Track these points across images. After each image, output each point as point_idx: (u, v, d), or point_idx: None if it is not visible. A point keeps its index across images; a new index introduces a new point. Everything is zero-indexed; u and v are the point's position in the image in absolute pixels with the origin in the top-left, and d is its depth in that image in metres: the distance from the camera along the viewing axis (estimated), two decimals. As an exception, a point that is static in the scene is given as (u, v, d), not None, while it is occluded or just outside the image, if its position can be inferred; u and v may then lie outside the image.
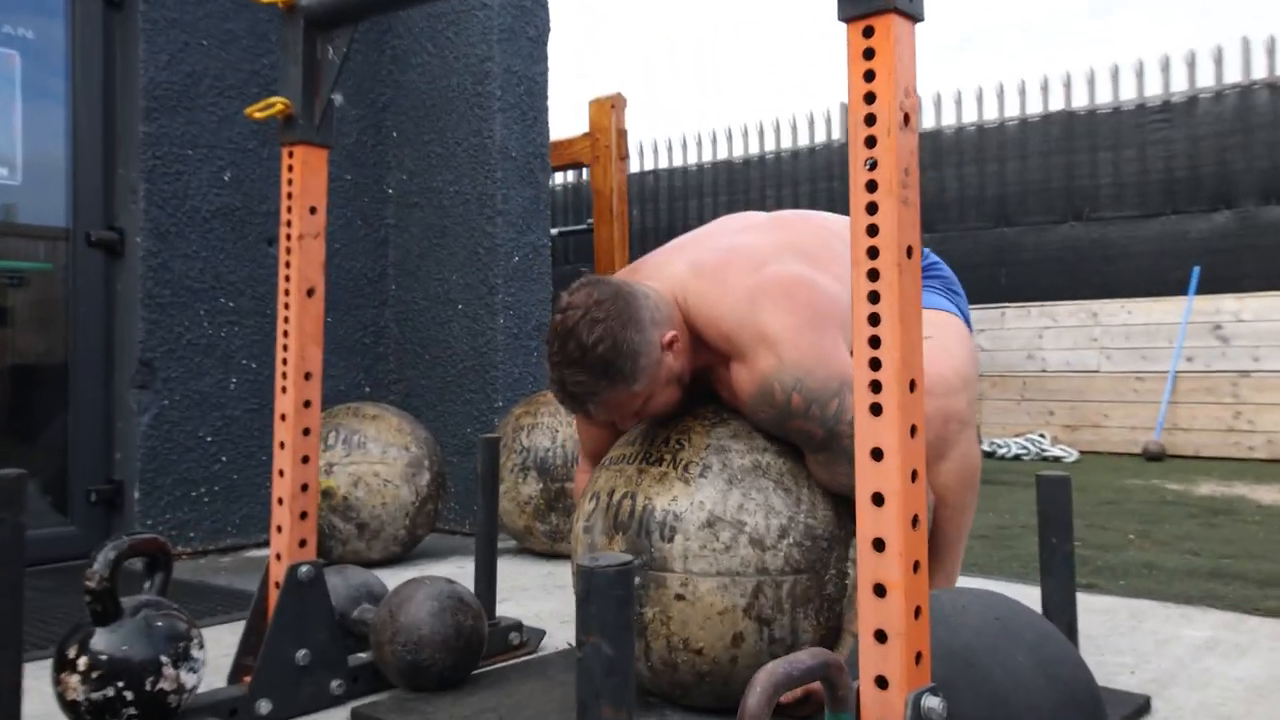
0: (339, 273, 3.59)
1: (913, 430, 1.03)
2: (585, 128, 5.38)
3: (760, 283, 1.58)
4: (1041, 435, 6.34)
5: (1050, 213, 7.09)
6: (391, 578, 2.71)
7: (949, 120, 7.62)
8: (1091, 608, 2.40)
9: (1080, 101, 7.07)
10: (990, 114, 7.41)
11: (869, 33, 1.04)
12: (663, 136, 10.14)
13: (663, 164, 9.30)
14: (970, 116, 7.50)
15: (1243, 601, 2.43)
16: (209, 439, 3.18)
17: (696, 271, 1.67)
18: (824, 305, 1.59)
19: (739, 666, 1.55)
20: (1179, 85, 6.74)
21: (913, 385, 1.04)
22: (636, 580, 1.58)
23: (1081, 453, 6.31)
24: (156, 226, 3.08)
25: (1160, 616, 2.33)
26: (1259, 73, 6.47)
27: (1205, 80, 6.67)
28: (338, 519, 2.81)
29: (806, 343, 1.53)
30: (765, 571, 1.53)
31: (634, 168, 9.36)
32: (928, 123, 7.74)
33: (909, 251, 1.04)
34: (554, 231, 6.23)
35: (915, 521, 1.03)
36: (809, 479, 1.61)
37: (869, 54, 1.04)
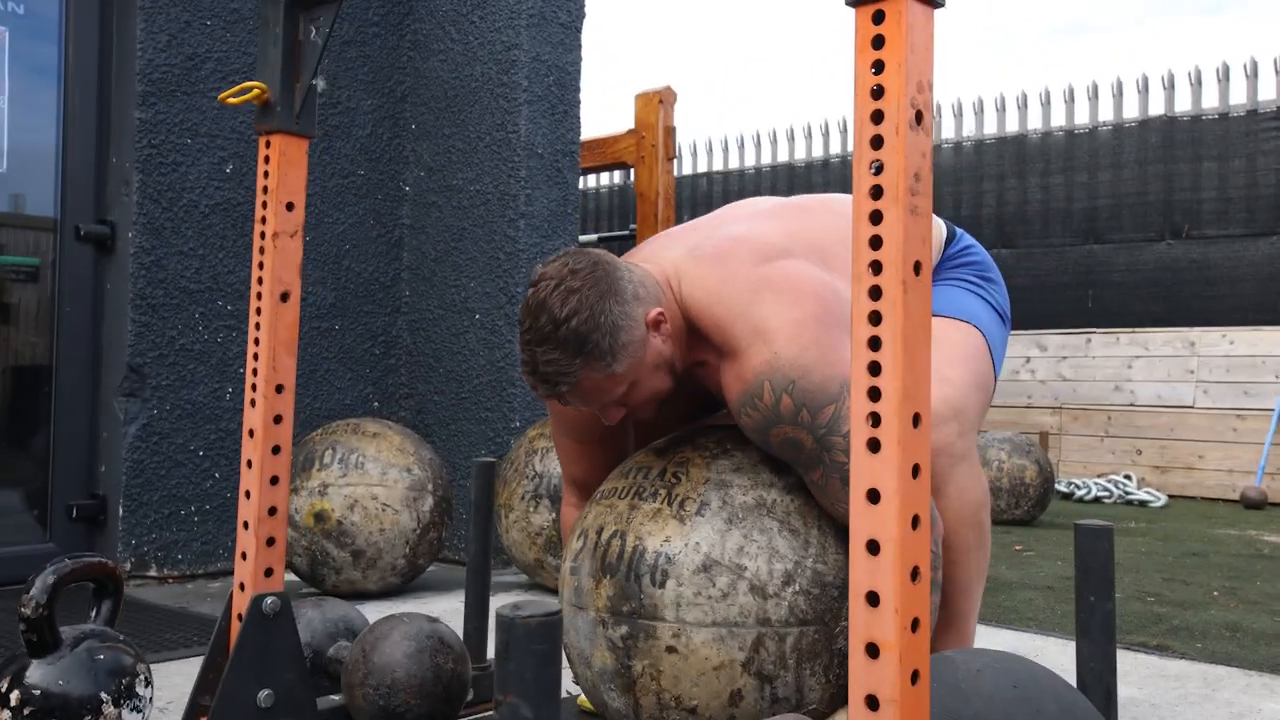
0: (348, 276, 3.61)
1: (915, 470, 0.99)
2: (630, 124, 5.38)
3: (766, 275, 1.53)
4: (1127, 476, 6.20)
5: (1145, 229, 6.95)
6: (388, 610, 2.70)
7: (1035, 124, 7.51)
8: (1162, 672, 2.34)
9: (1183, 106, 6.93)
10: (1081, 118, 7.29)
11: (879, 18, 1.01)
12: (717, 135, 10.11)
13: (716, 166, 9.29)
14: (1059, 120, 7.39)
15: (1336, 672, 2.36)
16: (201, 453, 3.20)
17: (695, 257, 1.62)
18: (834, 305, 1.52)
19: None
20: (1294, 89, 6.58)
21: (916, 419, 1.00)
22: (624, 630, 1.54)
23: (1171, 497, 6.16)
24: (150, 221, 3.12)
25: (1239, 685, 2.26)
26: (1386, 76, 6.29)
27: (1324, 84, 6.49)
28: (331, 545, 2.81)
29: (808, 337, 1.46)
30: (767, 623, 1.49)
31: (683, 169, 9.36)
32: (1011, 126, 7.64)
33: (917, 267, 1.00)
34: (594, 237, 6.24)
35: (915, 574, 0.99)
36: (820, 518, 1.56)
37: (878, 42, 1.01)
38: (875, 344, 1.00)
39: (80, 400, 3.12)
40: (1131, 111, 7.11)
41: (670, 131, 5.33)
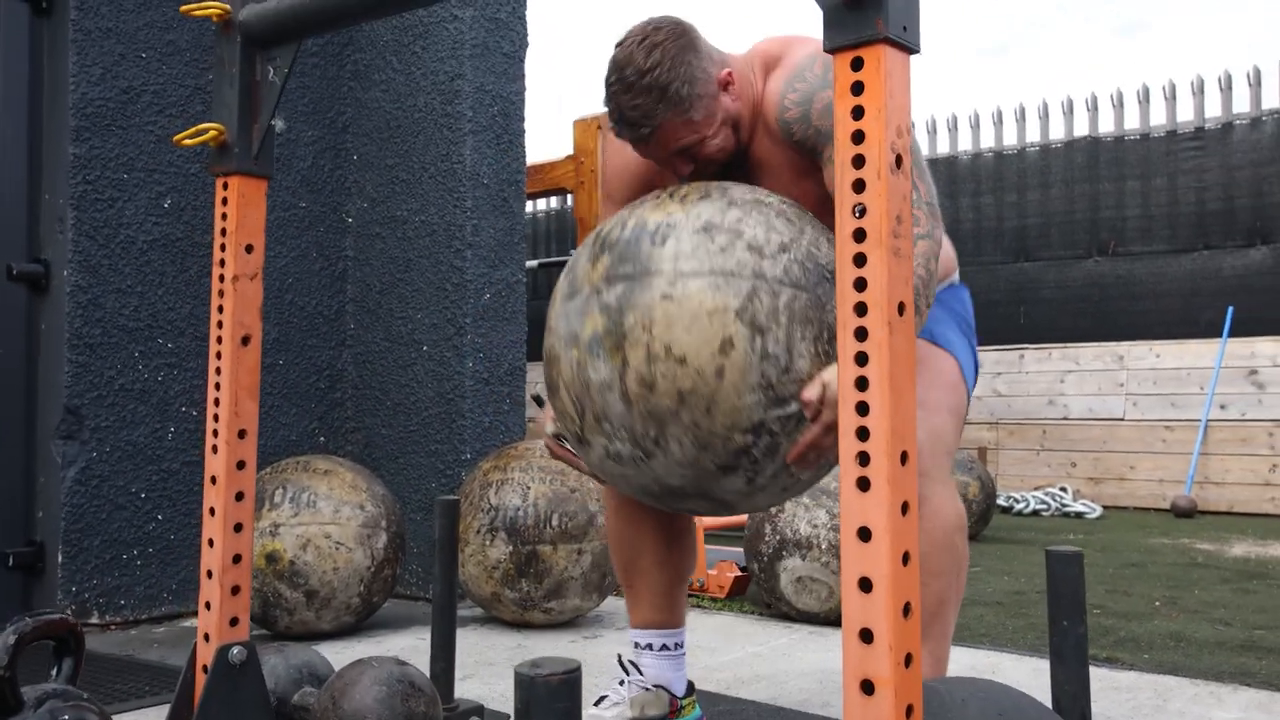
0: (291, 310, 3.56)
1: (904, 507, 1.01)
2: (569, 150, 5.40)
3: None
4: (1063, 489, 6.33)
5: (1073, 247, 7.13)
6: (343, 651, 2.67)
7: (965, 145, 7.68)
8: (1113, 684, 2.40)
9: (1107, 127, 7.14)
10: (1010, 139, 7.47)
11: (858, 65, 1.03)
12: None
13: (652, 189, 9.34)
14: (988, 141, 7.56)
15: (1277, 678, 2.43)
16: (143, 495, 3.13)
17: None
18: None
19: (725, 384, 1.52)
20: (1213, 110, 6.81)
21: (904, 457, 1.02)
22: (619, 290, 1.58)
23: (1105, 508, 6.30)
24: (87, 259, 3.05)
25: (1188, 695, 2.32)
26: (1297, 96, 6.54)
27: (1241, 105, 6.74)
28: (284, 586, 2.76)
29: None
30: (762, 277, 1.54)
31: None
32: (942, 148, 7.80)
33: (900, 308, 1.02)
34: (532, 264, 6.23)
35: (907, 610, 1.01)
36: (814, 220, 1.67)
37: (857, 89, 1.03)
38: (862, 384, 1.02)
39: (15, 444, 3.03)
40: (1058, 133, 7.31)
41: (609, 157, 5.35)
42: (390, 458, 3.56)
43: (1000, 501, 6.19)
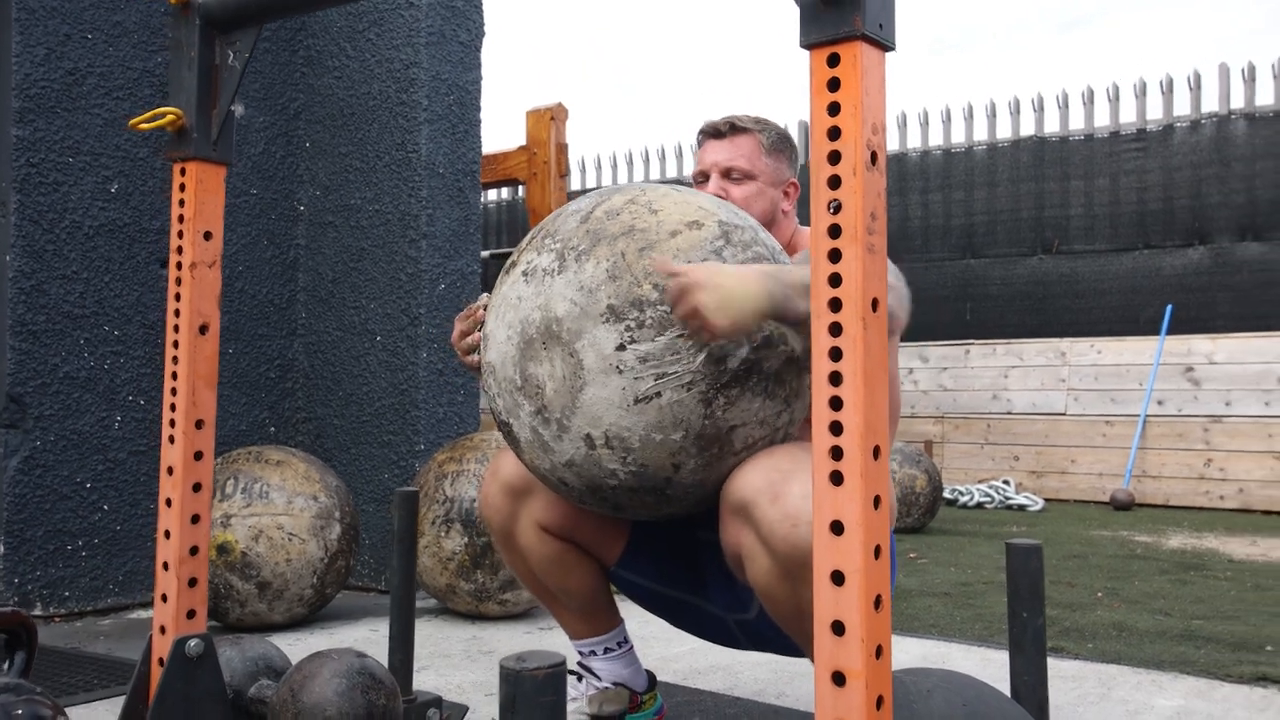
0: (242, 299, 3.51)
1: (876, 501, 1.02)
2: (521, 141, 5.36)
3: None
4: (1006, 482, 6.42)
5: (1018, 245, 7.23)
6: (297, 643, 2.64)
7: (914, 143, 7.75)
8: (1059, 673, 2.43)
9: (1052, 126, 7.24)
10: (958, 137, 7.56)
11: (834, 61, 1.03)
12: (608, 152, 10.17)
13: (606, 181, 9.32)
14: (937, 139, 7.64)
15: (1215, 666, 2.48)
16: (88, 485, 3.07)
17: None
18: None
19: (670, 243, 1.58)
20: (1155, 113, 6.94)
21: (876, 452, 1.02)
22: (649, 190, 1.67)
23: (1047, 500, 6.40)
24: (30, 244, 2.98)
25: (1131, 684, 2.36)
26: (1237, 102, 6.70)
27: (1182, 108, 6.87)
28: (236, 578, 2.72)
29: None
30: (749, 226, 1.69)
31: (575, 185, 9.36)
32: (892, 145, 7.86)
33: (874, 304, 1.02)
34: (486, 254, 6.19)
35: (878, 603, 1.02)
36: None
37: (834, 85, 1.03)
38: (836, 379, 1.02)
39: (-43, 432, 2.96)
40: (1004, 132, 7.40)
41: (563, 149, 5.33)
42: (342, 448, 3.52)
43: (946, 495, 6.27)
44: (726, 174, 1.91)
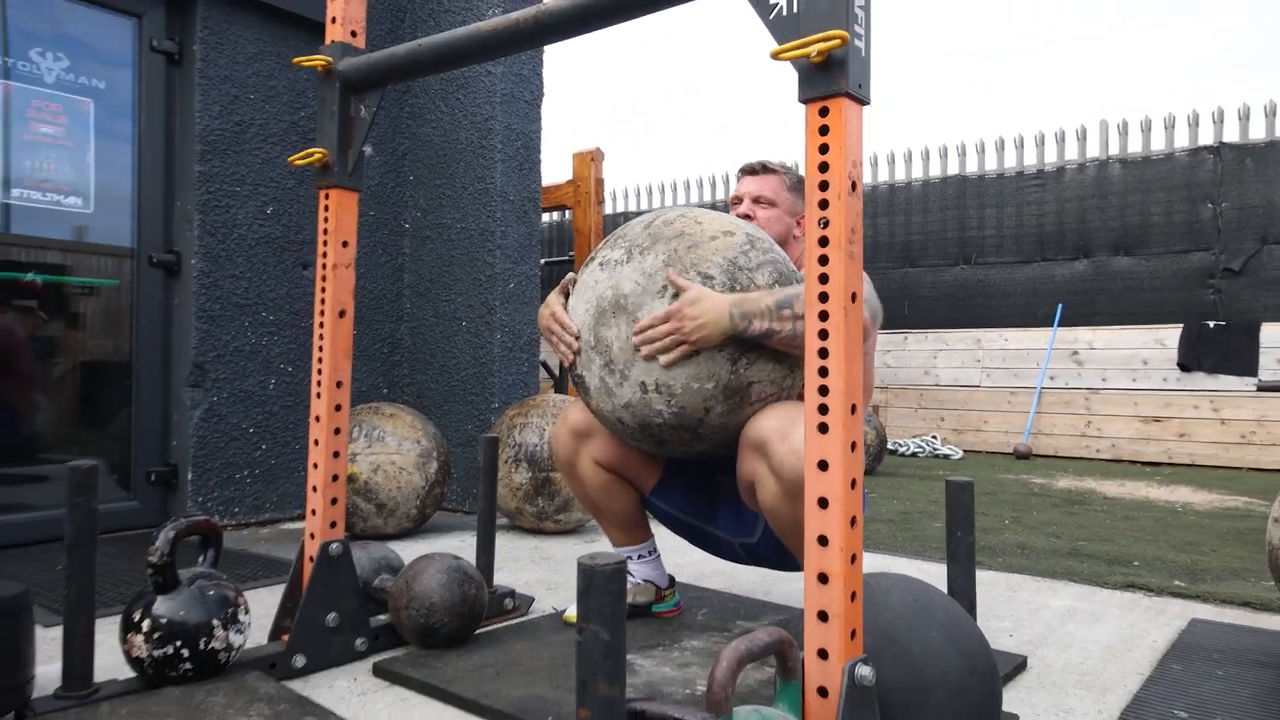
0: (363, 294, 3.52)
1: (853, 445, 1.02)
2: (569, 175, 5.35)
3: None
4: (934, 436, 6.40)
5: (946, 258, 7.17)
6: (405, 549, 2.67)
7: (866, 179, 7.67)
8: (979, 580, 2.42)
9: (972, 168, 7.17)
10: (900, 175, 7.49)
11: (824, 113, 1.03)
12: (637, 182, 10.09)
13: (632, 207, 9.30)
14: (884, 176, 7.58)
15: (1095, 577, 2.47)
16: (251, 430, 3.10)
17: None
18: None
19: (712, 245, 1.59)
20: (1050, 157, 6.85)
21: (853, 409, 1.02)
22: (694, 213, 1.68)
23: (966, 451, 6.37)
24: (209, 251, 3.00)
25: (1031, 588, 2.36)
26: (1113, 149, 6.60)
27: (1071, 154, 6.79)
28: (360, 500, 2.75)
29: None
30: (764, 239, 1.68)
31: (609, 209, 9.34)
32: (847, 180, 7.77)
33: (853, 297, 1.02)
34: (542, 261, 6.18)
35: (853, 521, 1.02)
36: None
37: (824, 130, 1.03)
38: (824, 354, 1.02)
39: (155, 390, 2.99)
40: (935, 171, 7.33)
41: (600, 183, 5.32)
42: (437, 405, 3.54)
43: (889, 446, 6.26)
44: (756, 200, 1.95)
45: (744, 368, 1.54)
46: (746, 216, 1.94)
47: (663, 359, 1.51)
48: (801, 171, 2.13)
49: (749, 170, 1.99)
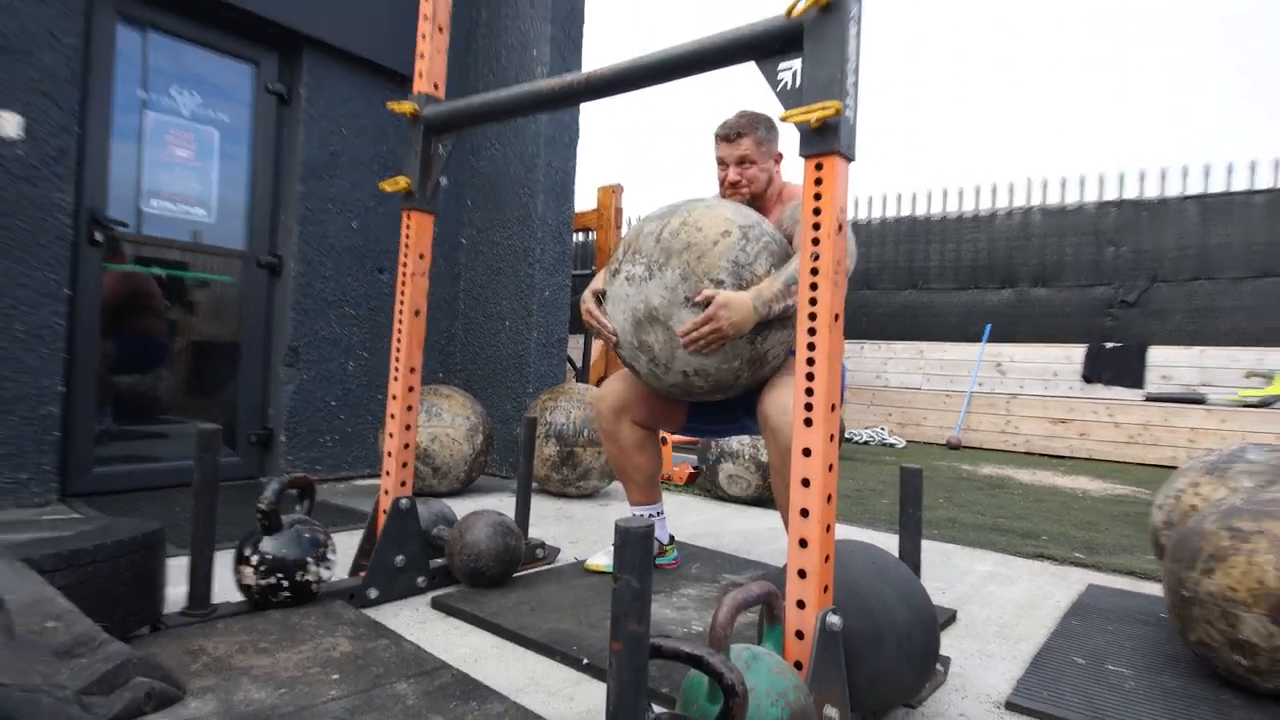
0: (429, 297, 3.52)
1: (831, 437, 1.03)
2: (593, 204, 5.34)
3: None
4: (882, 429, 6.38)
5: (897, 283, 7.16)
6: (455, 505, 2.67)
7: (833, 217, 7.63)
8: (918, 549, 2.42)
9: (921, 211, 7.15)
10: (863, 215, 7.48)
11: (819, 167, 1.04)
12: (649, 208, 10.06)
13: (642, 233, 9.25)
14: (850, 216, 7.55)
15: (1011, 547, 2.47)
16: (333, 403, 3.11)
17: None
18: None
19: (715, 249, 1.56)
20: (985, 204, 6.83)
21: (833, 407, 1.03)
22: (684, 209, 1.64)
23: (909, 441, 6.35)
24: (304, 257, 3.01)
25: (960, 556, 2.36)
26: (1035, 200, 6.58)
27: (1002, 202, 6.77)
28: (420, 464, 2.76)
29: None
30: (758, 225, 1.63)
31: (625, 232, 9.30)
32: (819, 217, 7.73)
33: (836, 317, 1.03)
34: (572, 273, 6.17)
35: (829, 498, 1.03)
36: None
37: (819, 182, 1.04)
38: (811, 362, 1.03)
39: (257, 368, 3.00)
40: (891, 212, 7.31)
41: (620, 211, 5.32)
42: (483, 389, 3.55)
43: (846, 436, 6.24)
44: (740, 163, 1.82)
45: (760, 342, 1.59)
46: (735, 183, 1.83)
47: (706, 351, 1.55)
48: (773, 118, 1.85)
49: (724, 137, 1.83)
